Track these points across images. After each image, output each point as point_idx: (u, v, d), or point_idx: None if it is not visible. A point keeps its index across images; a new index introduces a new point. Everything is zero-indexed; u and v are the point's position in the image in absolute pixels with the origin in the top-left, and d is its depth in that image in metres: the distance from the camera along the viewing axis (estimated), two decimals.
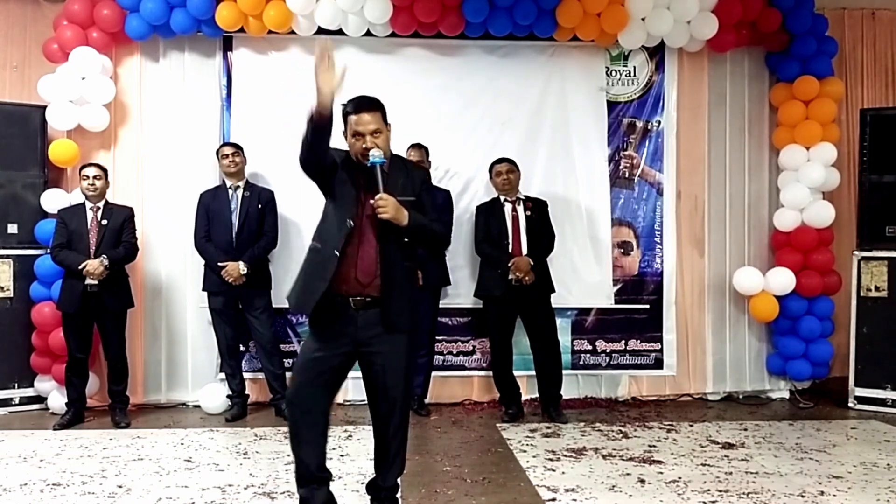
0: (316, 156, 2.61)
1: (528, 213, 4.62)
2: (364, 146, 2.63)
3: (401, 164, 2.82)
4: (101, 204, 4.44)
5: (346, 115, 2.70)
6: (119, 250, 4.39)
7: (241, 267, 4.49)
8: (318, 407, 2.72)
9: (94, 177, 4.40)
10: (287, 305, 4.70)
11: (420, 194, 2.76)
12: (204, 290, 4.67)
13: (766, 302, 5.01)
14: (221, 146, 4.73)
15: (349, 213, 2.64)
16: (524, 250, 4.54)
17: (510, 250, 4.55)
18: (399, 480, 2.88)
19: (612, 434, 4.27)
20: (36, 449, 3.90)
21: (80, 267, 4.25)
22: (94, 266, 4.26)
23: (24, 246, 4.75)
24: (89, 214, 4.41)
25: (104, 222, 4.41)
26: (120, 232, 4.44)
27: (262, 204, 4.66)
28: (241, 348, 4.88)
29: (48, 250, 4.58)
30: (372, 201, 2.58)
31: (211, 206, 4.65)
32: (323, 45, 2.48)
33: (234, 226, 4.59)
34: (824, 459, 3.75)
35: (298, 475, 2.76)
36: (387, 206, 2.56)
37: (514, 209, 4.64)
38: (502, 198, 4.68)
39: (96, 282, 4.29)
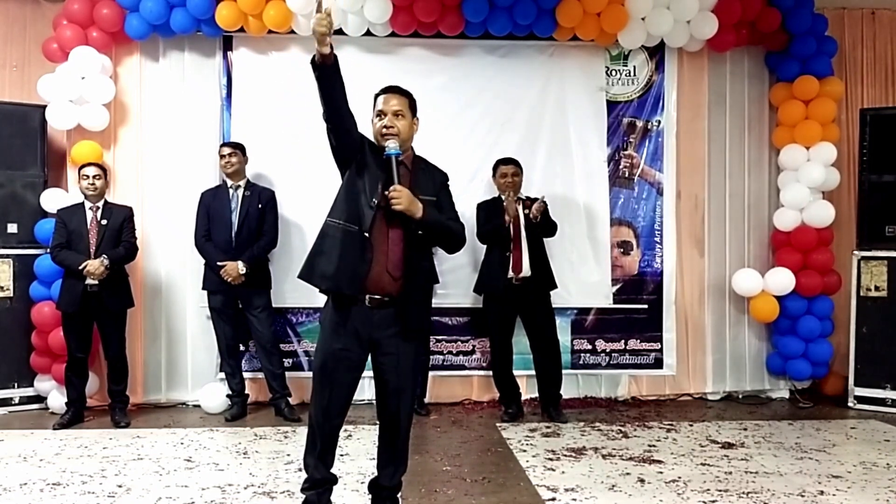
0: (335, 106, 2.51)
1: (528, 212, 4.62)
2: (384, 125, 2.63)
3: (422, 164, 2.81)
4: (100, 203, 4.44)
5: (375, 98, 2.72)
6: (119, 250, 4.39)
7: (240, 266, 4.49)
8: (343, 412, 2.72)
9: (94, 176, 4.40)
10: (286, 304, 4.91)
11: (439, 194, 2.76)
12: (204, 289, 4.67)
13: (766, 303, 5.01)
14: (220, 146, 4.73)
15: (374, 195, 2.59)
16: (524, 249, 4.53)
17: (510, 248, 4.54)
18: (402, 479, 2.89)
19: (612, 434, 4.27)
20: (36, 448, 3.90)
21: (80, 267, 4.24)
22: (95, 266, 4.25)
23: (24, 245, 4.74)
24: (89, 214, 4.41)
25: (104, 222, 4.40)
26: (120, 231, 4.43)
27: (262, 204, 4.66)
28: (241, 348, 4.87)
29: (48, 250, 4.58)
30: (386, 192, 2.56)
31: (211, 205, 4.65)
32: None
33: (234, 225, 4.59)
34: (824, 459, 3.75)
35: (311, 479, 2.75)
36: (400, 197, 2.53)
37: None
38: (503, 197, 4.68)
39: (97, 282, 4.29)
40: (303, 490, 2.78)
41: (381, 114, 2.66)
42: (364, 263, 2.57)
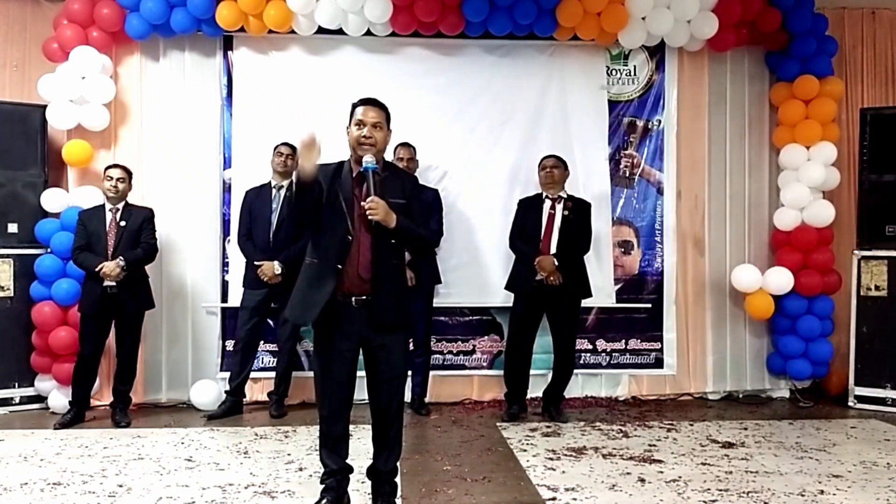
0: (301, 209, 2.76)
1: (566, 212, 4.54)
2: (363, 135, 2.77)
3: (393, 170, 2.99)
4: (120, 205, 4.44)
5: (353, 108, 2.86)
6: (137, 251, 4.38)
7: (276, 266, 4.50)
8: (348, 405, 2.92)
9: (118, 179, 4.38)
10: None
11: (409, 199, 2.90)
12: (244, 286, 4.68)
13: (762, 299, 5.00)
14: (281, 144, 4.68)
15: (345, 225, 2.77)
16: (552, 249, 4.48)
17: (540, 247, 4.50)
18: (399, 465, 2.99)
19: (613, 433, 4.27)
20: (36, 448, 3.90)
21: (97, 269, 4.25)
22: (111, 268, 4.25)
23: (25, 245, 4.73)
24: (108, 216, 4.41)
25: (122, 223, 4.40)
26: (139, 233, 4.43)
27: None
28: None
29: (48, 250, 4.60)
30: (363, 203, 2.73)
31: (254, 204, 4.67)
32: (310, 135, 2.65)
33: (273, 225, 4.59)
34: (824, 458, 3.76)
35: (328, 470, 2.91)
36: (377, 208, 2.70)
37: (553, 207, 4.57)
38: (544, 194, 4.63)
39: (115, 283, 4.29)
40: (322, 481, 2.93)
41: (360, 123, 2.80)
42: (325, 293, 2.74)
